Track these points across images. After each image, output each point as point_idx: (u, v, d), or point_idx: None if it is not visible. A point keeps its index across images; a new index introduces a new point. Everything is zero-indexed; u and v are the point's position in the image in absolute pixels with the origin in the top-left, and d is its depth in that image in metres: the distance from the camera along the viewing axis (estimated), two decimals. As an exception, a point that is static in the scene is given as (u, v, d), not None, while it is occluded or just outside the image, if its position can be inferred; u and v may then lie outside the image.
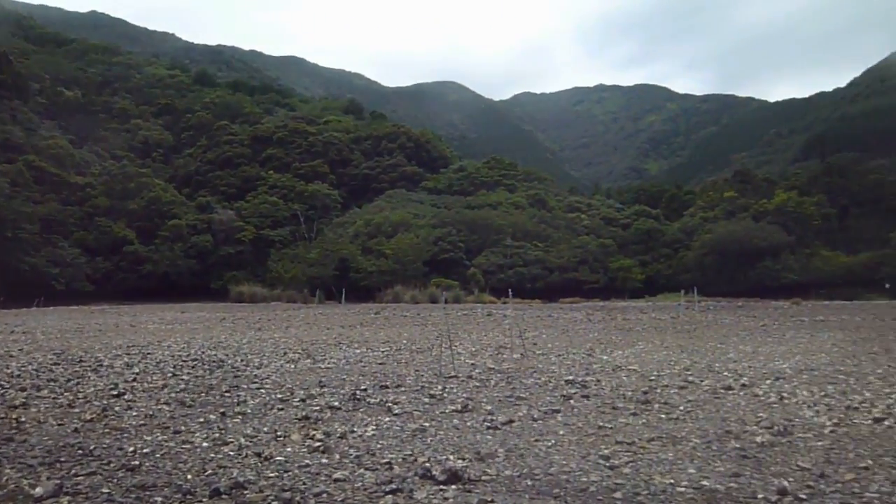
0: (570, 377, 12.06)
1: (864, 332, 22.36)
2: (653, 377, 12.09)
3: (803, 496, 5.52)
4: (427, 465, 6.33)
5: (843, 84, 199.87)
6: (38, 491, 5.53)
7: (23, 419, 8.52)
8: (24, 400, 9.84)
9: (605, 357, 15.44)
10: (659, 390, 10.67)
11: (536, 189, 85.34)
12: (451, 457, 6.70)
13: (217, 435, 7.70)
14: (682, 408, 9.22)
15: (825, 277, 61.12)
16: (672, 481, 5.91)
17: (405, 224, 65.92)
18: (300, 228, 69.48)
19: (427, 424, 8.29)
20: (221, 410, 9.14)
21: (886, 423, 8.13)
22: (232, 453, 6.92)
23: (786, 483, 5.75)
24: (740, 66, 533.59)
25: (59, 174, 64.68)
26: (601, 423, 8.26)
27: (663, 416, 8.75)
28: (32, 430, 7.97)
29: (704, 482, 5.86)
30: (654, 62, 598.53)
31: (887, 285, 58.85)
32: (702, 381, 11.58)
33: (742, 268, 61.90)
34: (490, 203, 75.21)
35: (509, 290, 21.88)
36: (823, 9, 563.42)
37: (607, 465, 6.45)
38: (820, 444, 7.19)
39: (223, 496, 5.57)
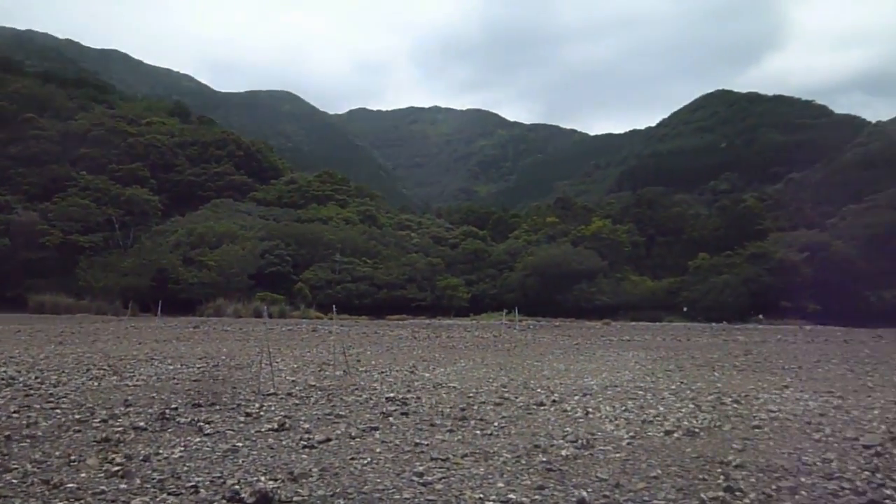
0: (391, 394, 12.11)
1: (662, 351, 24.34)
2: (471, 394, 12.42)
3: (599, 506, 5.88)
4: (236, 487, 6.10)
5: (653, 124, 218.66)
6: None
7: None
8: None
9: (426, 374, 15.67)
10: (476, 407, 10.97)
11: (368, 206, 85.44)
12: (263, 478, 6.49)
13: (-2, 461, 6.95)
14: (496, 424, 9.53)
15: (633, 300, 66.02)
16: (481, 496, 6.08)
17: (231, 235, 63.44)
18: (114, 235, 64.74)
19: (240, 444, 7.98)
20: (6, 434, 8.27)
21: (675, 435, 8.86)
22: (15, 481, 6.27)
23: (584, 493, 6.11)
24: (566, 100, 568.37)
25: None
26: (418, 440, 8.34)
27: (478, 432, 9.00)
28: None
29: (511, 495, 6.07)
30: (488, 89, 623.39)
31: (685, 309, 64.66)
32: (517, 397, 12.06)
33: (561, 289, 65.40)
34: (320, 217, 74.29)
35: (334, 306, 21.62)
36: (640, 54, 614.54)
37: (421, 481, 6.52)
38: (617, 455, 7.70)
39: (-1, 530, 5.03)
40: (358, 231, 72.99)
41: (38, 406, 10.26)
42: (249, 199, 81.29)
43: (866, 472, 7.01)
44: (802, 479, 6.74)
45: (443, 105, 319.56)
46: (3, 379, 13.23)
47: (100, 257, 60.33)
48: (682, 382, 14.55)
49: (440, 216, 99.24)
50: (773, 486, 6.45)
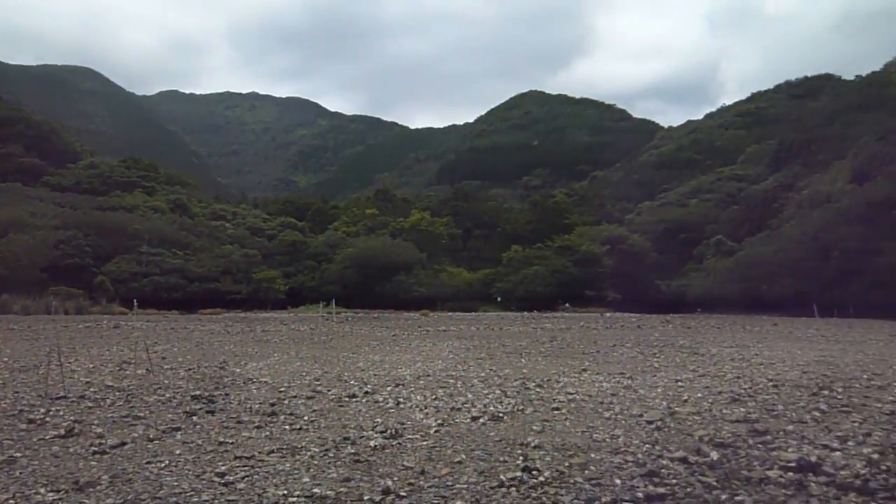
0: (198, 392, 11.55)
1: (476, 340, 25.23)
2: (283, 388, 12.15)
3: (404, 493, 5.95)
4: (11, 501, 5.52)
5: (471, 120, 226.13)
6: None
7: None
8: None
9: (237, 370, 15.12)
10: (287, 401, 10.74)
11: (179, 194, 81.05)
12: (43, 490, 5.93)
13: None
14: (306, 418, 9.38)
15: (450, 291, 68.04)
16: (286, 492, 5.95)
17: (19, 224, 57.45)
18: None
19: (18, 455, 7.23)
20: None
21: (481, 420, 9.19)
22: None
23: (389, 483, 6.16)
24: (387, 93, 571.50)
25: None
26: (222, 439, 8.02)
27: (287, 427, 8.81)
28: None
29: (316, 489, 5.99)
30: (309, 78, 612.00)
31: (499, 299, 67.62)
32: (329, 390, 11.95)
33: (380, 281, 65.90)
34: (125, 206, 69.46)
35: (135, 300, 20.28)
36: (461, 52, 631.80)
37: (222, 481, 6.26)
38: (425, 443, 7.85)
39: None
40: (167, 221, 69.10)
41: None
42: (42, 184, 74.18)
43: (647, 446, 7.66)
44: (592, 455, 7.23)
45: (262, 92, 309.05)
46: None
47: None
48: (491, 370, 15.13)
49: (257, 206, 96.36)
50: (566, 464, 6.87)
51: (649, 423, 8.92)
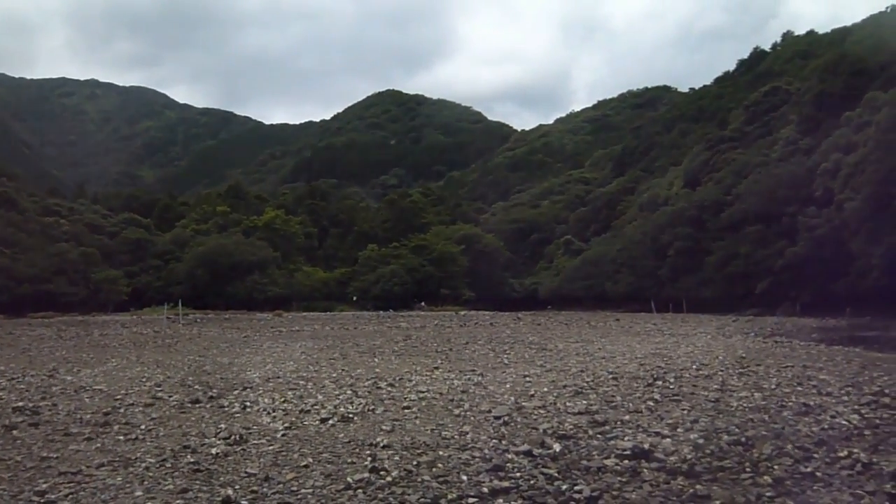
0: (20, 403, 10.61)
1: (330, 340, 24.93)
2: (119, 396, 11.41)
3: (245, 501, 5.72)
4: None
5: (328, 117, 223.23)
6: None
7: None
8: None
9: (69, 377, 14.05)
10: (123, 410, 10.10)
11: (6, 186, 74.26)
12: None
13: None
14: (143, 427, 8.85)
15: (306, 291, 66.83)
16: (115, 508, 5.57)
17: None
18: None
19: None
20: None
21: (331, 422, 9.04)
22: None
23: (230, 492, 5.91)
24: (241, 86, 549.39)
25: None
26: (45, 454, 7.39)
27: (121, 437, 8.26)
28: None
29: (149, 503, 5.64)
30: (155, 67, 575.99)
31: (354, 298, 67.21)
32: (171, 396, 11.36)
33: (232, 281, 63.63)
34: (-59, 199, 62.87)
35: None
36: (318, 48, 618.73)
37: (42, 500, 5.77)
38: (271, 448, 7.61)
39: None
40: (-8, 216, 63.09)
41: None
42: None
43: (494, 441, 7.83)
44: (441, 453, 7.29)
45: (102, 79, 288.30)
46: None
47: None
48: (343, 370, 14.97)
49: (97, 202, 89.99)
50: (415, 462, 6.88)
51: (497, 418, 9.12)
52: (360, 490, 6.04)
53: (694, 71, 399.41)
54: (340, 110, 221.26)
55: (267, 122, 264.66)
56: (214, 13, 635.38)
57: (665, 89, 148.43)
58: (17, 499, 5.86)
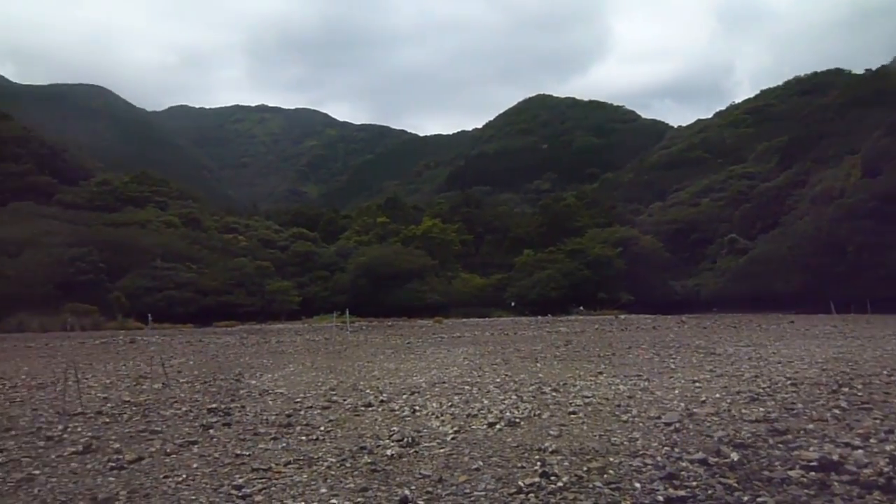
0: (214, 405, 11.58)
1: (490, 346, 25.16)
2: (298, 399, 12.15)
3: (422, 502, 5.92)
4: (29, 520, 5.53)
5: (480, 125, 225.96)
6: None
7: None
8: None
9: (253, 381, 15.15)
10: (303, 412, 10.74)
11: (191, 208, 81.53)
12: (61, 507, 5.94)
13: None
14: (322, 428, 9.37)
15: (464, 297, 67.96)
16: (303, 503, 5.94)
17: (33, 242, 57.84)
18: None
19: (37, 472, 7.26)
20: None
21: (498, 426, 9.14)
22: None
23: (407, 492, 6.13)
24: (395, 101, 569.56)
25: None
26: (239, 451, 8.01)
27: (304, 437, 8.80)
28: None
29: (334, 500, 5.98)
30: (317, 88, 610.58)
31: (512, 303, 67.46)
32: (345, 399, 11.94)
33: (392, 289, 65.94)
34: (138, 221, 69.88)
35: (149, 315, 20.39)
36: (469, 58, 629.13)
37: (239, 494, 6.26)
38: (442, 451, 7.82)
39: None
40: (180, 235, 69.45)
41: None
42: (55, 202, 74.63)
43: (666, 448, 7.59)
44: (611, 459, 7.17)
45: (270, 104, 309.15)
46: None
47: None
48: (506, 375, 15.08)
49: (269, 218, 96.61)
50: (585, 468, 6.81)
51: (667, 424, 8.85)
52: (531, 494, 6.07)
53: (869, 50, 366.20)
54: (492, 118, 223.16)
55: (421, 133, 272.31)
56: (368, 33, 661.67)
57: (836, 73, 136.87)
58: (218, 492, 6.39)
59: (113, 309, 53.55)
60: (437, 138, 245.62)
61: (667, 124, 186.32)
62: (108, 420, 10.47)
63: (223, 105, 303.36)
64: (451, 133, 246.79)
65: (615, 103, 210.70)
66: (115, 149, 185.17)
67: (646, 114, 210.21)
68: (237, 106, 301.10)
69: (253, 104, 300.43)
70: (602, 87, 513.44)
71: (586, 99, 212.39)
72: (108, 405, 11.95)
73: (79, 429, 9.74)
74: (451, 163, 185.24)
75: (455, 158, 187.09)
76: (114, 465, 7.49)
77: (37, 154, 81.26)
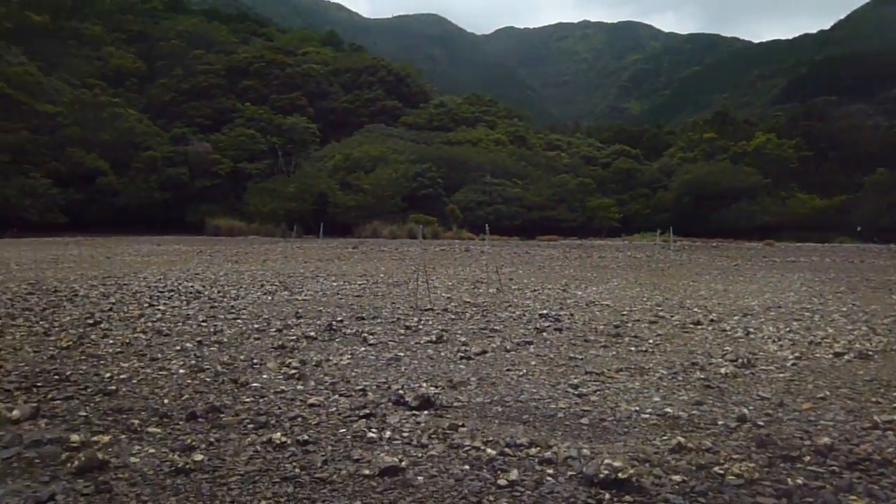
0: (544, 311, 12.25)
1: (832, 273, 22.85)
2: (624, 312, 12.33)
3: (761, 423, 5.73)
4: (400, 391, 6.47)
5: (827, 27, 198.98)
6: (16, 413, 5.58)
7: (-2, 345, 8.53)
8: (-2, 327, 9.82)
9: (579, 293, 15.67)
10: (630, 325, 10.90)
11: (517, 126, 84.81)
12: (425, 384, 6.84)
13: (193, 362, 7.77)
14: (651, 341, 9.44)
15: (799, 220, 61.91)
16: (637, 408, 6.11)
17: (384, 159, 65.31)
18: (277, 162, 68.50)
19: (402, 354, 8.42)
20: (198, 339, 9.19)
21: (846, 357, 8.40)
22: (208, 380, 7.01)
23: (745, 411, 5.97)
24: (727, 5, 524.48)
25: (27, 102, 62.70)
26: (572, 355, 8.45)
27: (633, 348, 8.96)
28: (8, 356, 7.97)
29: (668, 409, 6.05)
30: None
31: (859, 229, 59.77)
32: (672, 316, 11.83)
33: (718, 209, 62.48)
34: (470, 140, 74.69)
35: (486, 226, 21.90)
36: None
37: (576, 392, 6.63)
38: (781, 376, 7.43)
39: (199, 419, 5.66)
40: (507, 152, 72.85)
41: (222, 317, 11.29)
42: (400, 123, 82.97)
43: None
44: None
45: (592, 19, 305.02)
46: (191, 293, 14.63)
47: (265, 183, 64.15)
48: (854, 305, 13.66)
49: (590, 135, 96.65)
50: (959, 411, 6.01)
51: None
52: (889, 431, 5.54)
53: None
54: (842, 17, 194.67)
55: (756, 40, 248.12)
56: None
57: None
58: (556, 388, 6.84)
59: (448, 220, 58.65)
60: (775, 44, 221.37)
61: None
62: (453, 317, 11.67)
63: (546, 24, 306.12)
64: (790, 38, 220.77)
65: None
66: (449, 72, 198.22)
67: None
68: (560, 24, 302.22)
69: (575, 20, 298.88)
70: None
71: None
72: (452, 304, 13.28)
73: (430, 322, 11.01)
74: (790, 71, 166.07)
75: (795, 66, 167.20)
76: (462, 355, 8.39)
77: (385, 81, 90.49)
